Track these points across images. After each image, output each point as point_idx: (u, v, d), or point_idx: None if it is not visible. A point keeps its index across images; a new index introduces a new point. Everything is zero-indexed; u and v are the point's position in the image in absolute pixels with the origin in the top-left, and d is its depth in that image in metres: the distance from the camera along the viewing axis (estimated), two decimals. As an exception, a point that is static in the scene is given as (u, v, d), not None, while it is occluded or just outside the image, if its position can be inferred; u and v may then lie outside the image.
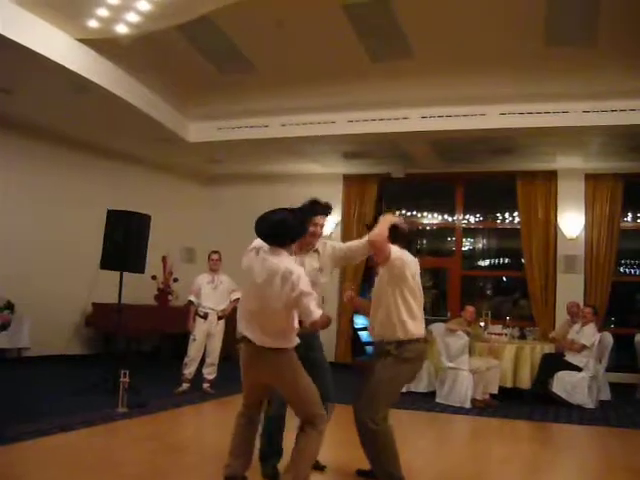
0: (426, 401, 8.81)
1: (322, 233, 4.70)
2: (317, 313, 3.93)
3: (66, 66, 7.92)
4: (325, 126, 10.31)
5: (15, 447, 5.33)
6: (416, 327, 4.51)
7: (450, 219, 13.27)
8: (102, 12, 7.45)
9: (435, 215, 13.83)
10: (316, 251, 4.76)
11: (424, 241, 14.43)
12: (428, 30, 8.31)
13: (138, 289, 10.57)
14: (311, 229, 4.34)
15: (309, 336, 4.69)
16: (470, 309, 9.33)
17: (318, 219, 4.44)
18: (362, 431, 4.50)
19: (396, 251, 4.44)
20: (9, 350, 9.93)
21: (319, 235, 4.52)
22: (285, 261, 4.05)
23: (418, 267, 4.65)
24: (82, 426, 6.19)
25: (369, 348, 14.39)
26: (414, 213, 13.90)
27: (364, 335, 14.60)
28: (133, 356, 10.23)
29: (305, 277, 4.02)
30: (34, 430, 5.83)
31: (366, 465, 4.69)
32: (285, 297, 3.96)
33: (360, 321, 14.19)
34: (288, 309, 4.02)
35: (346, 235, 12.47)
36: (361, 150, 11.31)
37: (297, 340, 4.15)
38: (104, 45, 8.25)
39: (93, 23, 7.71)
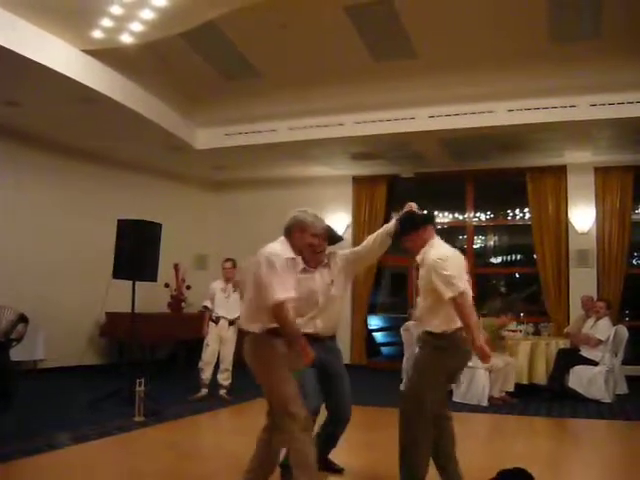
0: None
1: (323, 248, 4.64)
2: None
3: (72, 77, 7.96)
4: (333, 128, 10.31)
5: (32, 459, 5.33)
6: (448, 319, 4.39)
7: (461, 217, 13.24)
8: (106, 22, 7.48)
9: (446, 214, 13.79)
10: (326, 265, 4.80)
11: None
12: (431, 29, 8.33)
13: (151, 297, 10.60)
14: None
15: (329, 339, 4.83)
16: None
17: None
18: (401, 420, 4.45)
19: (429, 255, 4.44)
20: (25, 362, 9.97)
21: (319, 248, 4.40)
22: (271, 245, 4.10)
23: (460, 261, 4.54)
24: (99, 436, 6.20)
25: (384, 349, 14.38)
26: (424, 213, 13.85)
27: (379, 336, 14.59)
28: (148, 364, 10.24)
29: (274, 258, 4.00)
30: (51, 442, 5.85)
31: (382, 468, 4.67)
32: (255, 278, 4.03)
33: (374, 322, 14.17)
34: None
35: (357, 236, 12.47)
36: (370, 151, 11.29)
37: (260, 326, 4.04)
38: (109, 55, 8.28)
39: (98, 34, 7.74)
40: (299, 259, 4.44)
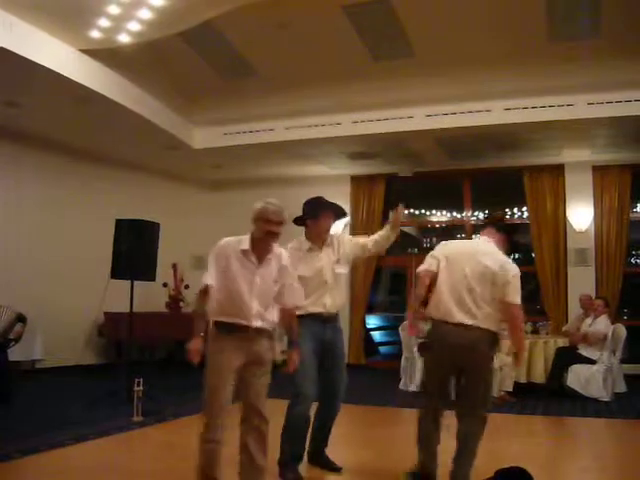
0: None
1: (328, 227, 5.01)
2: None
3: (70, 77, 7.97)
4: (330, 128, 10.31)
5: (31, 459, 5.33)
6: (433, 307, 4.52)
7: (459, 216, 13.24)
8: (104, 22, 7.48)
9: (444, 212, 13.81)
10: (330, 244, 5.00)
11: (434, 239, 14.45)
12: (429, 28, 8.32)
13: (149, 297, 10.60)
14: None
15: (335, 318, 5.00)
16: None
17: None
18: None
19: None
20: (23, 362, 9.96)
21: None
22: None
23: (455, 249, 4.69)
24: (97, 436, 6.19)
25: (382, 348, 14.37)
26: (422, 211, 13.89)
27: (377, 335, 14.57)
28: (147, 364, 10.24)
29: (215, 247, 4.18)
30: (49, 441, 5.84)
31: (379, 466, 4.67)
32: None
33: (372, 321, 14.16)
34: None
35: (355, 235, 12.46)
36: (367, 150, 11.29)
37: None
38: (107, 55, 8.28)
39: (95, 33, 7.74)
40: (302, 246, 4.70)
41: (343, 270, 4.99)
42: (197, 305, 4.12)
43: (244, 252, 4.07)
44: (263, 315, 4.09)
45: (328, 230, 5.01)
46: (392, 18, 8.03)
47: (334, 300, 4.91)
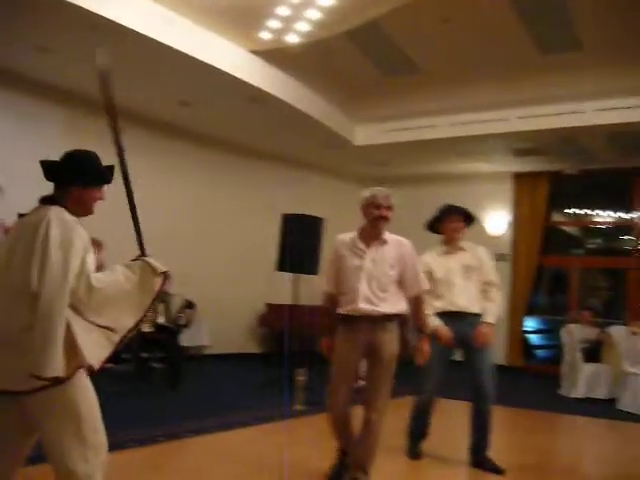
0: (606, 408, 8.42)
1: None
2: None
3: (241, 78, 8.32)
4: (495, 124, 10.08)
5: (195, 440, 5.64)
6: None
7: (626, 216, 12.61)
8: (274, 24, 7.73)
9: (609, 213, 13.19)
10: (465, 251, 5.24)
11: (598, 240, 13.88)
12: (602, 20, 7.93)
13: (311, 290, 10.87)
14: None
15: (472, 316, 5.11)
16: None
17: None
18: None
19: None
20: (192, 348, 10.51)
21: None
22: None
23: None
24: (259, 422, 6.45)
25: (540, 352, 13.94)
26: (587, 211, 13.36)
27: (534, 338, 14.18)
28: (306, 355, 10.49)
29: None
30: (214, 424, 6.19)
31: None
32: None
33: (531, 324, 13.79)
34: None
35: (517, 235, 12.21)
36: (532, 147, 10.93)
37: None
38: (274, 55, 8.56)
39: (265, 35, 8.02)
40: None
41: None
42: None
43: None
44: (372, 300, 4.14)
45: (455, 231, 5.13)
46: (561, 8, 7.69)
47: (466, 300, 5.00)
